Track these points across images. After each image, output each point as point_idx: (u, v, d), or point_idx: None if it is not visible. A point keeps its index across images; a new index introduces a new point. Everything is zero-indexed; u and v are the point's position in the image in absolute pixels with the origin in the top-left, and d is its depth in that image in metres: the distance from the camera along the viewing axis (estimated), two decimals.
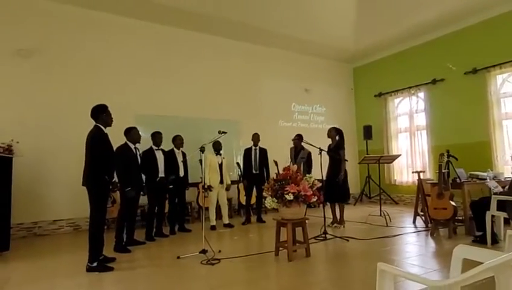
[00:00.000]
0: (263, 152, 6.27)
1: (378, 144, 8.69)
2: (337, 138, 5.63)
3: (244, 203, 6.69)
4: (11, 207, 4.47)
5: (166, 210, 5.57)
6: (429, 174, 7.43)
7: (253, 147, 6.27)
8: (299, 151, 6.10)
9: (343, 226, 5.45)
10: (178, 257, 3.83)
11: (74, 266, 3.60)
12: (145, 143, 5.15)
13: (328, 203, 5.56)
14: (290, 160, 6.10)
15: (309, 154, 6.05)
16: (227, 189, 5.89)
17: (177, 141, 5.56)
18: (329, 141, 5.70)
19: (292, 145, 6.27)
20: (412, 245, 4.29)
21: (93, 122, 3.68)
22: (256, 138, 6.29)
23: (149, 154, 5.05)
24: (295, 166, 3.87)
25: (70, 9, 5.99)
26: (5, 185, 4.38)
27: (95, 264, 3.44)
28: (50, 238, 5.32)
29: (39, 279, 3.28)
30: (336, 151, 5.46)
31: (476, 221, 4.33)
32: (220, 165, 5.75)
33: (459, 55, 7.09)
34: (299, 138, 6.00)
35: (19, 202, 4.93)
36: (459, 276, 1.08)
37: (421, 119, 7.95)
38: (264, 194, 3.80)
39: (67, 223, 5.72)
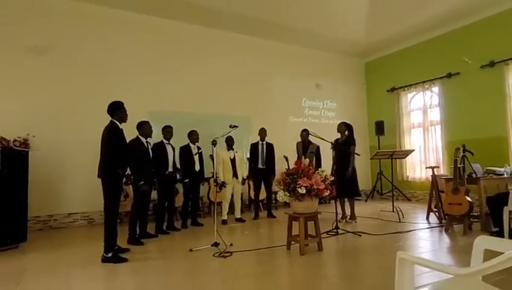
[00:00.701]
0: (270, 147, 6.26)
1: (390, 139, 8.57)
2: (346, 132, 5.59)
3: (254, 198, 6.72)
4: (27, 200, 4.58)
5: (176, 205, 5.62)
6: (443, 170, 7.29)
7: (260, 142, 6.25)
8: (308, 146, 6.07)
9: (355, 222, 5.41)
10: (190, 250, 3.86)
11: (89, 257, 3.67)
12: (156, 139, 5.19)
13: (342, 198, 5.54)
14: (297, 155, 6.08)
15: (318, 148, 6.03)
16: (243, 183, 5.91)
17: (193, 136, 5.60)
18: (339, 136, 5.66)
19: (298, 140, 6.24)
20: (426, 241, 4.23)
21: (108, 118, 3.77)
22: (263, 132, 6.27)
23: (159, 147, 5.08)
24: (307, 160, 3.85)
25: (83, 6, 6.05)
26: (22, 178, 4.48)
27: (109, 254, 3.51)
28: (65, 230, 5.42)
29: (56, 269, 3.34)
30: (347, 146, 5.41)
31: (493, 217, 4.25)
32: (233, 160, 5.77)
33: (475, 48, 6.92)
34: (306, 133, 5.97)
35: (35, 195, 5.04)
36: (482, 264, 1.05)
37: (435, 114, 7.80)
38: (276, 188, 3.79)
39: (81, 216, 5.82)
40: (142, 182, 4.39)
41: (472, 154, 4.88)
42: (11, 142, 4.38)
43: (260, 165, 6.14)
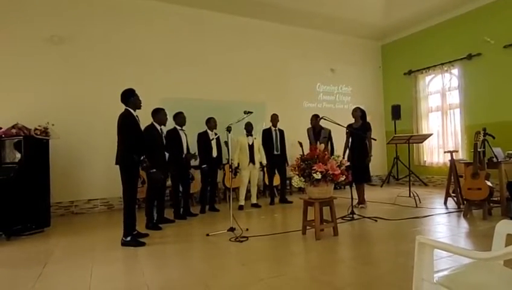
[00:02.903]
0: (281, 133, 6.23)
1: (407, 124, 8.40)
2: (361, 118, 5.52)
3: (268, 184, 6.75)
4: (49, 187, 4.74)
5: (194, 190, 5.69)
6: (462, 155, 7.13)
7: (273, 128, 6.22)
8: (319, 132, 6.01)
9: (365, 206, 5.37)
10: (207, 235, 3.94)
11: (110, 241, 3.79)
12: (168, 126, 5.24)
13: (354, 184, 5.51)
14: (308, 140, 6.04)
15: (329, 132, 5.99)
16: (262, 169, 5.90)
17: (211, 122, 5.63)
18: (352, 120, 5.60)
19: (309, 126, 6.19)
20: (444, 226, 4.17)
21: (123, 106, 3.80)
22: (275, 118, 6.23)
23: (173, 134, 5.11)
24: (322, 145, 3.82)
25: None
26: (43, 166, 4.63)
27: (129, 238, 3.62)
28: (86, 216, 5.60)
29: (79, 252, 3.48)
30: (362, 132, 5.34)
31: None
32: (251, 146, 5.78)
33: (498, 27, 6.61)
34: (316, 118, 5.91)
35: (57, 182, 5.22)
36: (505, 249, 1.03)
37: (454, 98, 7.57)
38: (291, 173, 3.79)
39: (101, 202, 5.99)
40: (154, 170, 4.29)
41: (493, 137, 4.73)
42: (32, 131, 4.51)
43: (275, 152, 6.14)
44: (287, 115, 6.44)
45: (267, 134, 6.23)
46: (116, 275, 2.85)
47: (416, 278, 1.24)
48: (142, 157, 3.81)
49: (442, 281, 1.24)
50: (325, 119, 5.00)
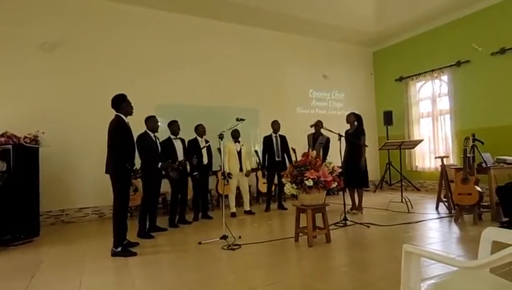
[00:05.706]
0: (283, 139, 6.24)
1: (399, 129, 8.48)
2: (355, 123, 5.56)
3: (262, 191, 6.72)
4: (39, 195, 4.67)
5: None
6: (453, 160, 7.21)
7: (274, 135, 6.22)
8: (317, 137, 6.04)
9: (361, 213, 5.39)
10: (199, 243, 3.91)
11: (100, 251, 3.74)
12: (164, 133, 5.21)
13: (347, 189, 5.53)
14: (308, 146, 6.05)
15: (327, 140, 5.99)
16: (247, 175, 5.89)
17: (199, 129, 5.61)
18: (347, 127, 5.63)
19: (310, 132, 6.21)
20: (435, 231, 4.20)
21: (114, 113, 3.76)
22: (276, 125, 6.24)
23: (167, 143, 5.10)
24: (314, 152, 3.83)
25: (94, 1, 6.09)
26: (33, 174, 4.57)
27: (119, 249, 3.57)
28: (77, 225, 5.52)
29: (69, 262, 3.43)
30: (357, 137, 5.38)
31: (503, 206, 4.20)
32: (239, 153, 5.78)
33: (486, 35, 6.75)
34: (320, 124, 5.92)
35: (47, 190, 5.15)
36: (489, 257, 1.04)
37: (445, 104, 7.68)
38: (283, 180, 3.80)
39: (92, 211, 5.92)
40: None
41: (482, 143, 4.80)
42: (21, 139, 4.46)
43: (276, 158, 6.11)
44: (280, 121, 6.44)
45: (268, 140, 6.22)
46: (106, 286, 2.81)
47: (404, 287, 1.25)
48: (135, 167, 3.80)
49: (429, 289, 1.25)
50: (324, 129, 5.03)
